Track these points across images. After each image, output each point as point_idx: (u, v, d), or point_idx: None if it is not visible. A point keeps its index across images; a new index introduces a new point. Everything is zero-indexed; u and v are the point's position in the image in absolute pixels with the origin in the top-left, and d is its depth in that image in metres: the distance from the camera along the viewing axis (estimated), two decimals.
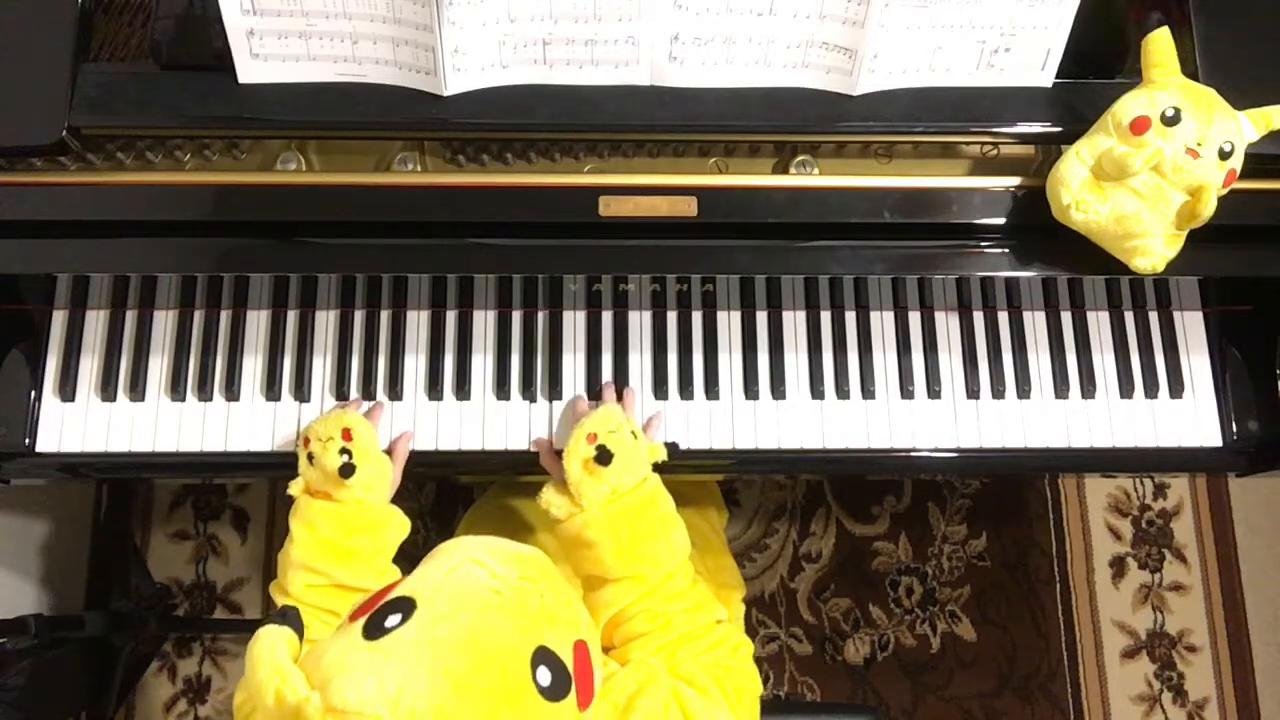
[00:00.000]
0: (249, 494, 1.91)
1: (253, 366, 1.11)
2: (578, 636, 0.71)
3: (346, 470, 0.96)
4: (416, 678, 0.61)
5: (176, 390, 1.10)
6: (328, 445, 0.99)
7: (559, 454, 1.00)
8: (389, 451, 1.05)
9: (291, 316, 1.13)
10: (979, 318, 1.16)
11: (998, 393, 1.14)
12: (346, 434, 1.00)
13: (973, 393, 1.14)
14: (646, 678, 0.82)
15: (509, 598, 0.68)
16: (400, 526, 1.02)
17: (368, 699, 0.59)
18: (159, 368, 1.11)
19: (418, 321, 1.13)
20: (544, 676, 0.65)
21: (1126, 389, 1.15)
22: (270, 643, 0.63)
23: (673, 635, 0.91)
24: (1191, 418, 1.15)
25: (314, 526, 0.97)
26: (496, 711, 0.63)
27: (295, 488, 1.00)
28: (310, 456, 1.00)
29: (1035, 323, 1.17)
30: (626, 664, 0.89)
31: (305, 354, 1.11)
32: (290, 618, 0.66)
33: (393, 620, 0.64)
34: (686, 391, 1.12)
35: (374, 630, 0.64)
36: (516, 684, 0.64)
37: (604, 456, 0.95)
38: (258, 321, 1.13)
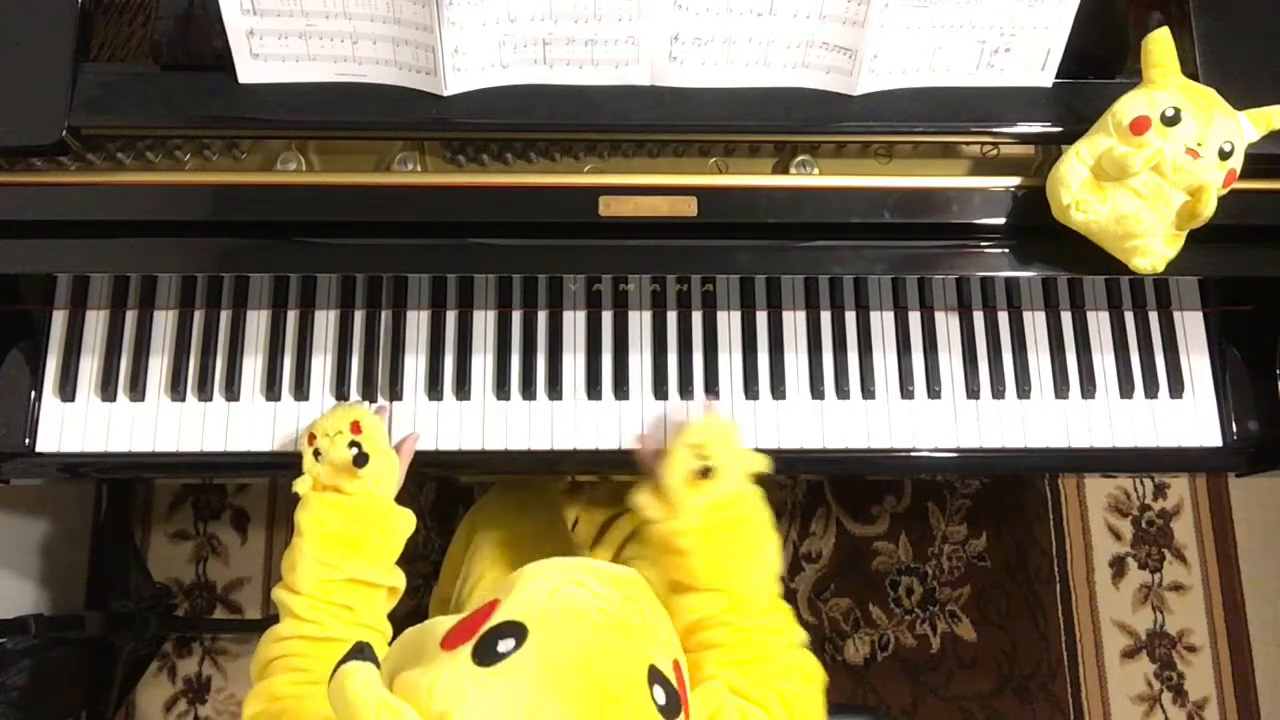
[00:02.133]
0: (249, 494, 1.91)
1: (253, 366, 1.11)
2: (675, 656, 0.71)
3: (360, 460, 0.96)
4: (545, 703, 0.60)
5: (176, 390, 1.10)
6: (336, 439, 0.99)
7: (657, 454, 1.00)
8: (396, 450, 1.05)
9: (291, 316, 1.13)
10: (979, 318, 1.16)
11: (998, 393, 1.14)
12: (355, 427, 1.00)
13: (973, 393, 1.14)
14: (720, 701, 0.82)
15: (615, 615, 0.67)
16: (408, 521, 1.02)
17: None
18: (159, 368, 1.11)
19: (418, 321, 1.13)
20: (660, 695, 0.65)
21: (1126, 389, 1.15)
22: (364, 679, 0.59)
23: (749, 654, 0.89)
24: (1191, 418, 1.15)
25: (324, 520, 0.96)
26: None
27: (302, 485, 1.00)
28: (316, 453, 1.00)
29: (1035, 323, 1.17)
30: (703, 670, 0.88)
31: (305, 354, 1.11)
32: (367, 653, 0.62)
33: (506, 645, 0.62)
34: (686, 391, 1.12)
35: (487, 656, 0.62)
36: (640, 704, 0.63)
37: (708, 472, 0.94)
38: (258, 321, 1.13)
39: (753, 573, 0.93)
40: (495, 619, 0.65)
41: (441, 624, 0.68)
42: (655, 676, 0.65)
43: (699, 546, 0.93)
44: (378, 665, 0.63)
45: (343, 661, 0.62)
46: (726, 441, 0.98)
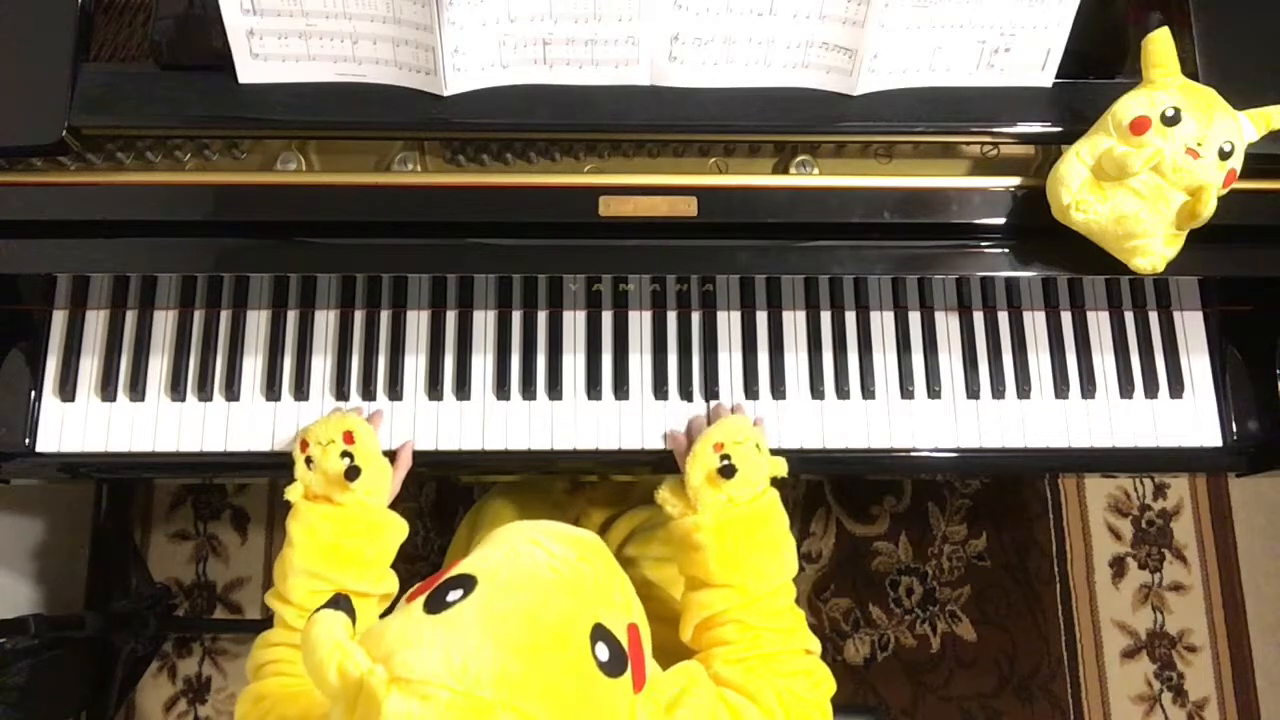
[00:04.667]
0: (249, 494, 1.91)
1: (253, 366, 1.11)
2: (630, 620, 0.71)
3: (352, 473, 0.96)
4: (482, 648, 0.61)
5: (176, 390, 1.10)
6: (328, 449, 0.99)
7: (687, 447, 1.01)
8: (391, 458, 1.05)
9: (291, 316, 1.13)
10: (979, 318, 1.16)
11: (998, 393, 1.14)
12: (348, 437, 1.00)
13: (973, 393, 1.14)
14: (690, 679, 0.82)
15: (566, 575, 0.69)
16: (399, 529, 1.01)
17: (434, 669, 0.59)
18: (159, 368, 1.11)
19: (418, 321, 1.13)
20: (602, 652, 0.66)
21: (1126, 389, 1.15)
22: (327, 623, 0.62)
23: (758, 651, 0.90)
24: (1191, 418, 1.15)
25: (315, 531, 0.96)
26: (560, 682, 0.63)
27: (294, 493, 0.99)
28: (309, 461, 1.00)
29: (1035, 323, 1.17)
30: (712, 667, 0.89)
31: (305, 354, 1.11)
32: (342, 604, 0.66)
33: (454, 595, 0.65)
34: (686, 392, 1.12)
35: (436, 605, 0.64)
36: (578, 657, 0.64)
37: (728, 471, 0.95)
38: (258, 321, 1.13)
39: (766, 571, 0.95)
40: (452, 573, 0.68)
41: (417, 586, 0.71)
42: (600, 634, 0.66)
43: (714, 542, 0.95)
44: (353, 616, 0.65)
45: (318, 611, 0.65)
46: (747, 440, 0.99)
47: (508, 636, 0.62)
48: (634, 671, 0.69)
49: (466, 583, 0.66)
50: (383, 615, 1.01)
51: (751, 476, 0.98)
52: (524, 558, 0.70)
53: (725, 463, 0.96)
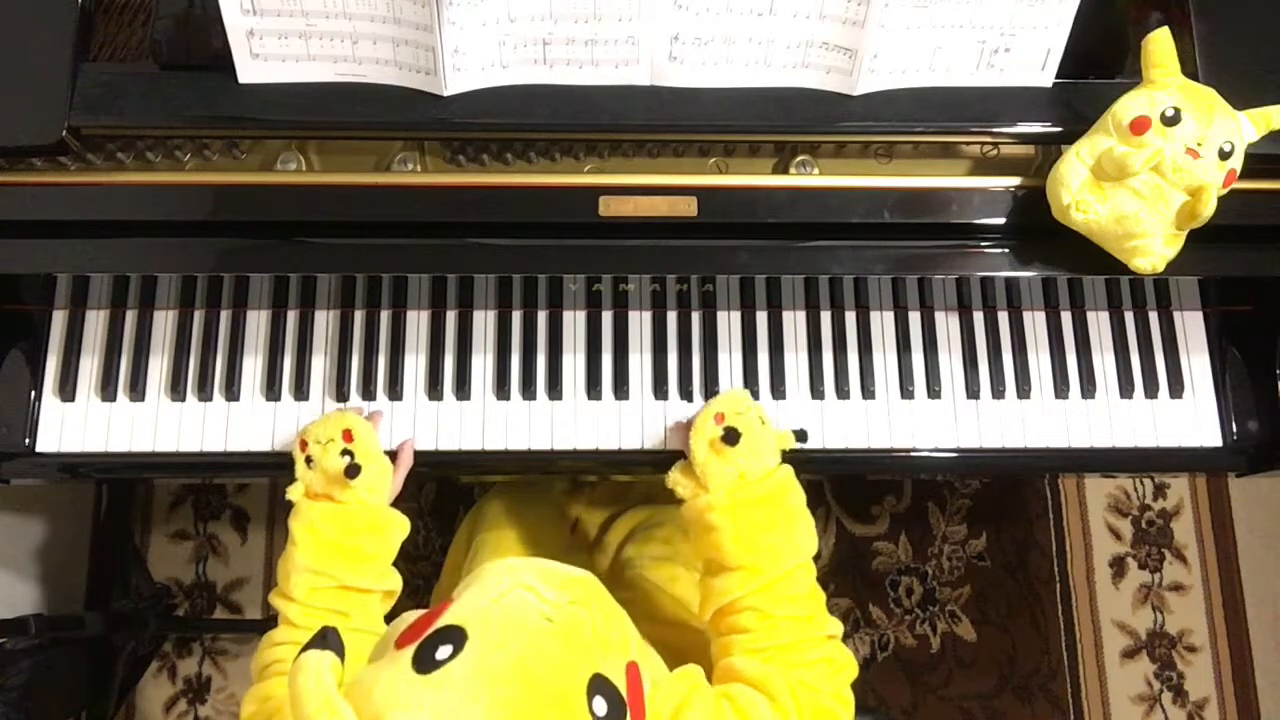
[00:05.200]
0: (249, 494, 1.91)
1: (253, 366, 1.11)
2: (629, 658, 0.70)
3: (352, 471, 0.96)
4: (471, 713, 0.60)
5: (176, 390, 1.10)
6: (328, 447, 0.99)
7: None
8: (392, 457, 1.04)
9: (291, 316, 1.13)
10: (979, 318, 1.16)
11: (998, 393, 1.14)
12: (347, 435, 1.00)
13: (973, 393, 1.14)
14: (689, 687, 0.82)
15: (560, 625, 0.67)
16: (401, 527, 1.01)
17: None
18: (159, 368, 1.11)
19: (418, 321, 1.13)
20: (600, 707, 0.64)
21: (1126, 389, 1.15)
22: (315, 672, 0.60)
23: (777, 641, 0.89)
24: (1191, 418, 1.15)
25: (316, 529, 0.96)
26: None
27: (295, 493, 0.99)
28: (309, 460, 1.00)
29: (1035, 323, 1.17)
30: (729, 656, 0.89)
31: (305, 354, 1.11)
32: (330, 639, 0.63)
33: (444, 652, 0.63)
34: (686, 392, 1.12)
35: (425, 662, 0.63)
36: (575, 716, 0.63)
37: (731, 436, 0.94)
38: (258, 321, 1.13)
39: (782, 551, 0.93)
40: (440, 622, 0.66)
41: (408, 618, 0.69)
42: (598, 687, 0.65)
43: (728, 522, 0.93)
44: (341, 651, 0.63)
45: (306, 648, 0.62)
46: (749, 411, 0.99)
47: (500, 699, 0.61)
48: (633, 714, 0.68)
49: (456, 636, 0.64)
50: (383, 618, 1.01)
51: (758, 448, 0.97)
52: (515, 605, 0.68)
53: (727, 430, 0.95)
